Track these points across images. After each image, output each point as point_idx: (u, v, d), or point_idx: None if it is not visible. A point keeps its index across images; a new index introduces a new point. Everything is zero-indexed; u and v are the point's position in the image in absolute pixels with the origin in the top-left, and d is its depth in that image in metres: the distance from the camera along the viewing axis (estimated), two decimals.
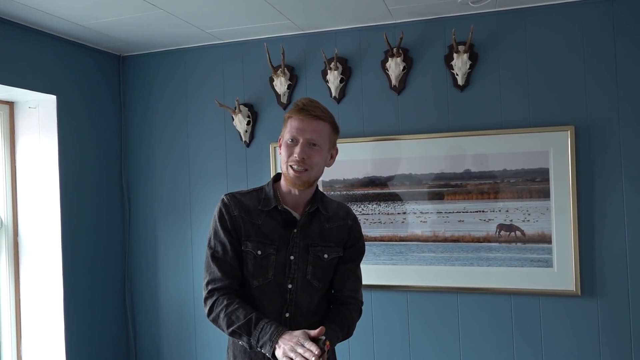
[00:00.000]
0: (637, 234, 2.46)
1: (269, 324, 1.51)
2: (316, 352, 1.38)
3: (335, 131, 1.67)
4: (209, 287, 1.62)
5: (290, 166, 1.60)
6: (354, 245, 1.79)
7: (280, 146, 1.66)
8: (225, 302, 1.58)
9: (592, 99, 2.51)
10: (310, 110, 1.59)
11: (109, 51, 3.19)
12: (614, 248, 2.49)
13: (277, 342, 1.45)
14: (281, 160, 1.64)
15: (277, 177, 1.74)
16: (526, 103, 2.60)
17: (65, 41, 2.89)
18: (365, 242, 2.82)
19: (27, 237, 2.90)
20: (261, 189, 1.73)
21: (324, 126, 1.61)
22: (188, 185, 3.17)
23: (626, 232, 2.47)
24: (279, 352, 1.44)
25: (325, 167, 1.70)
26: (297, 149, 1.58)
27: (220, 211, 1.67)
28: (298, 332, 1.46)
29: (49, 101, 2.83)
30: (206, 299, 1.62)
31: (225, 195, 1.70)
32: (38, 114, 2.86)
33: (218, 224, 1.66)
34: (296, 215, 1.68)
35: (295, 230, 1.66)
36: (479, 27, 2.63)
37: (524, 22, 2.60)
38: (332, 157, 1.71)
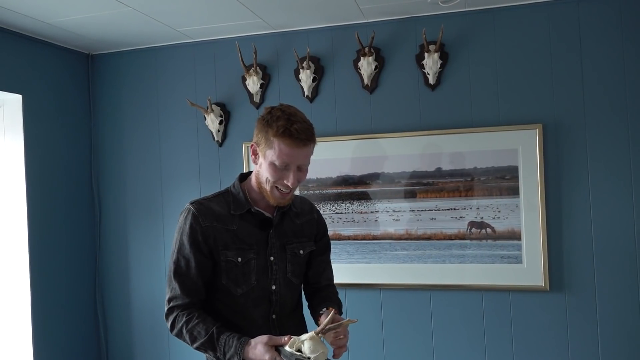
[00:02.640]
0: (603, 230, 2.52)
1: (230, 337, 1.48)
2: None
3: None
4: (170, 304, 1.57)
5: (277, 188, 1.55)
6: (322, 238, 1.81)
7: (253, 151, 1.58)
8: (185, 319, 1.53)
9: (559, 97, 2.57)
10: (304, 139, 1.51)
11: (77, 50, 3.13)
12: (581, 244, 2.54)
13: (242, 353, 1.44)
14: (262, 177, 1.56)
15: (242, 177, 1.69)
16: (495, 102, 2.64)
17: (31, 39, 2.82)
18: (339, 241, 2.88)
19: None
20: (227, 192, 1.66)
21: (313, 146, 1.57)
22: (160, 186, 3.13)
23: (592, 228, 2.53)
24: None
25: None
26: (290, 176, 1.53)
27: (186, 223, 1.57)
28: (264, 345, 1.42)
29: (14, 101, 2.76)
30: (167, 315, 1.58)
31: (191, 204, 1.61)
32: (3, 114, 2.78)
33: (184, 238, 1.57)
34: (269, 215, 1.65)
35: (271, 231, 1.64)
36: (449, 26, 2.66)
37: (493, 22, 2.65)
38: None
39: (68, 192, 3.05)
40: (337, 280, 2.75)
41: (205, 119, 2.96)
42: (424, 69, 2.68)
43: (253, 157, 1.59)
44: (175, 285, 1.56)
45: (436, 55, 2.63)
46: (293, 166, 1.53)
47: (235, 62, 2.93)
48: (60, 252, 2.97)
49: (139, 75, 3.16)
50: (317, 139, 2.88)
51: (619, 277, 2.50)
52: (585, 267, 2.54)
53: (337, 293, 1.84)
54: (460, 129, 2.66)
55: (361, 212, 2.80)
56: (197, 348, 1.53)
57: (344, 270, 2.79)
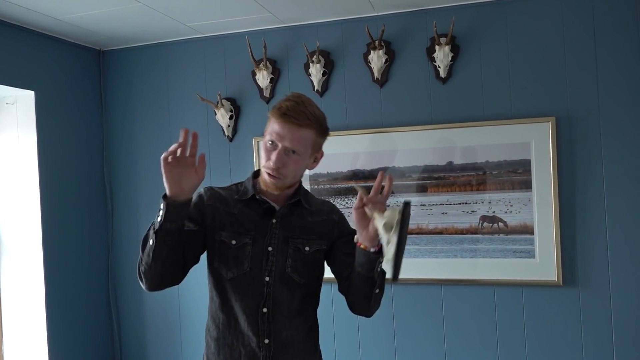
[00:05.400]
0: (617, 224, 2.48)
1: (160, 216, 1.45)
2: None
3: (323, 135, 1.57)
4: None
5: (266, 171, 1.53)
6: (348, 235, 1.65)
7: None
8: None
9: (572, 89, 2.53)
10: (293, 118, 1.46)
11: (88, 46, 3.15)
12: (595, 238, 2.51)
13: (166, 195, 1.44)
14: (261, 159, 1.57)
15: (257, 173, 1.66)
16: (507, 95, 2.61)
17: (43, 36, 2.85)
18: None
19: (7, 235, 2.86)
20: (240, 183, 1.68)
21: (307, 133, 1.50)
22: None
23: (607, 222, 2.50)
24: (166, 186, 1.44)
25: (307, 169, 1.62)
26: (273, 156, 1.49)
27: (195, 197, 1.59)
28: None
29: (27, 97, 2.78)
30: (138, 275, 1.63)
31: (204, 187, 1.64)
32: (16, 110, 2.81)
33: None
34: (275, 205, 1.60)
35: (274, 221, 1.59)
36: (460, 19, 2.63)
37: (505, 13, 2.61)
38: (316, 160, 1.61)
39: (81, 187, 3.08)
40: None
41: (216, 114, 2.97)
42: (435, 62, 2.66)
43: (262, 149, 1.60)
44: None
45: (447, 48, 2.60)
46: (280, 146, 1.48)
47: (245, 57, 2.92)
48: (73, 247, 3.00)
49: (150, 70, 3.17)
50: None
51: (633, 272, 2.47)
52: (599, 261, 2.51)
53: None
54: (472, 123, 2.63)
55: None
56: (145, 253, 1.52)
57: None
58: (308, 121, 1.49)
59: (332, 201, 2.80)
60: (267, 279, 1.56)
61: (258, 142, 2.93)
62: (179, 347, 3.12)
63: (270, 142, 1.51)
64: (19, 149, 2.81)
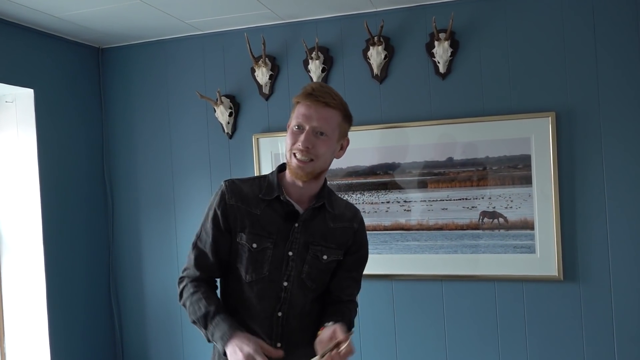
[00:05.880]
0: (618, 219, 2.48)
1: (224, 320, 1.46)
2: None
3: (347, 120, 1.57)
4: (183, 273, 1.60)
5: (294, 154, 1.49)
6: (358, 251, 1.67)
7: (288, 126, 1.56)
8: (191, 290, 1.54)
9: (572, 84, 2.53)
10: (319, 96, 1.47)
11: (87, 43, 3.14)
12: (596, 233, 2.51)
13: (228, 342, 1.41)
14: (285, 148, 1.53)
15: (283, 167, 1.61)
16: (507, 90, 2.61)
17: (42, 34, 2.84)
18: None
19: (8, 234, 2.86)
20: (264, 177, 1.62)
21: (334, 114, 1.50)
22: (171, 178, 3.14)
23: (607, 216, 2.49)
24: (229, 350, 1.40)
25: (335, 159, 1.60)
26: (302, 137, 1.47)
27: (215, 199, 1.58)
28: (252, 339, 1.40)
29: (26, 95, 2.78)
30: (179, 282, 1.60)
31: (225, 181, 1.60)
32: (15, 109, 2.81)
33: (210, 212, 1.58)
34: (299, 208, 1.57)
35: (296, 225, 1.55)
36: (459, 14, 2.62)
37: (504, 8, 2.60)
38: (342, 148, 1.61)
39: (81, 185, 3.08)
40: None
41: (215, 111, 2.96)
42: (434, 57, 2.65)
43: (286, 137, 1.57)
44: (192, 256, 1.58)
45: (446, 44, 2.59)
46: (308, 127, 1.47)
47: (244, 54, 2.92)
48: (74, 245, 3.00)
49: (149, 68, 3.17)
50: None
51: (634, 266, 2.46)
52: (599, 256, 2.51)
53: (355, 311, 1.70)
54: (472, 118, 2.63)
55: (372, 203, 2.78)
56: (193, 322, 1.53)
57: None
58: (334, 101, 1.50)
59: None
60: (285, 283, 1.56)
61: (258, 139, 2.92)
62: (180, 345, 3.13)
63: (296, 127, 1.49)
64: (18, 147, 2.81)
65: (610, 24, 2.47)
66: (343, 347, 1.36)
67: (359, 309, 2.75)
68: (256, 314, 1.55)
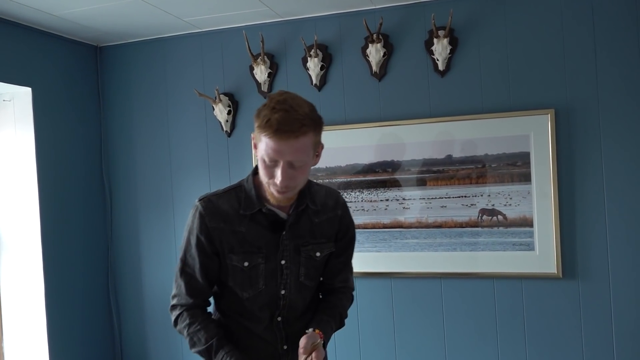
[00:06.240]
0: (617, 216, 2.48)
1: (229, 354, 1.44)
2: None
3: (319, 130, 1.41)
4: (174, 301, 1.54)
5: (272, 187, 1.40)
6: (345, 235, 1.64)
7: (255, 145, 1.41)
8: (188, 321, 1.50)
9: (571, 82, 2.52)
10: (287, 131, 1.30)
11: (85, 42, 3.13)
12: (595, 230, 2.51)
13: None
14: (260, 175, 1.41)
15: (257, 170, 1.50)
16: (506, 87, 2.60)
17: (40, 32, 2.83)
18: None
19: (6, 233, 2.85)
20: (240, 186, 1.52)
21: (306, 139, 1.34)
22: (170, 176, 3.13)
23: (606, 214, 2.49)
24: None
25: None
26: (277, 174, 1.35)
27: (194, 222, 1.48)
28: None
29: (24, 94, 2.77)
30: (171, 309, 1.56)
31: (200, 200, 1.50)
32: (13, 107, 2.80)
33: (191, 237, 1.49)
34: (283, 215, 1.50)
35: (284, 233, 1.50)
36: (458, 11, 2.62)
37: (503, 5, 2.60)
38: (318, 155, 1.46)
39: (79, 183, 3.07)
40: None
41: (214, 109, 2.96)
42: (433, 54, 2.65)
43: (255, 150, 1.43)
44: (181, 283, 1.52)
45: (445, 41, 2.59)
46: (282, 162, 1.34)
47: (243, 52, 2.91)
48: (73, 245, 3.00)
49: (147, 66, 3.16)
50: (326, 127, 2.89)
51: (633, 264, 2.46)
52: (598, 253, 2.51)
53: (349, 297, 1.71)
54: (471, 115, 2.62)
55: (371, 201, 2.78)
56: (195, 352, 1.51)
57: (355, 259, 2.75)
58: (304, 128, 1.33)
59: None
60: (282, 292, 1.54)
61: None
62: (179, 344, 3.13)
63: (268, 161, 1.35)
64: (16, 146, 2.81)
65: (609, 21, 2.47)
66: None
67: (359, 307, 2.78)
68: (257, 321, 1.55)
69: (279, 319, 1.56)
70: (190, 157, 3.10)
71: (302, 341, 1.44)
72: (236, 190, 1.51)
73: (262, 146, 1.34)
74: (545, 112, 2.52)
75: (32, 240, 2.80)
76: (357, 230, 2.83)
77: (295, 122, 1.31)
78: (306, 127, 1.33)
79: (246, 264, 1.48)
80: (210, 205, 1.49)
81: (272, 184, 1.38)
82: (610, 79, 2.47)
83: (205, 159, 3.06)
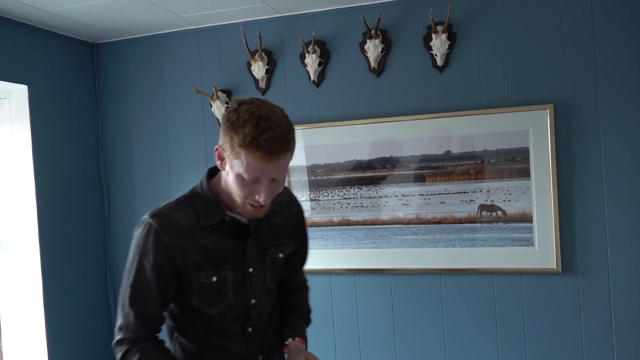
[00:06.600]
0: (616, 211, 2.48)
1: None
2: None
3: (295, 140, 1.31)
4: (120, 335, 1.34)
5: (249, 203, 1.30)
6: (302, 231, 1.59)
7: (218, 156, 1.29)
8: (138, 356, 1.32)
9: (570, 77, 2.51)
10: (275, 150, 1.21)
11: (81, 39, 3.11)
12: (594, 225, 2.51)
13: None
14: (232, 189, 1.30)
15: (212, 173, 1.41)
16: (505, 82, 2.60)
17: (35, 29, 2.81)
18: (348, 227, 2.87)
19: (3, 233, 2.84)
20: (194, 195, 1.39)
21: (290, 154, 1.27)
22: (168, 174, 3.12)
23: (605, 209, 2.49)
24: None
25: None
26: (262, 191, 1.27)
27: (147, 242, 1.32)
28: None
29: (20, 91, 2.75)
30: (116, 345, 1.35)
31: (151, 217, 1.34)
32: (9, 105, 2.78)
33: (144, 260, 1.32)
34: (244, 220, 1.40)
35: (249, 239, 1.42)
36: (456, 6, 2.60)
37: (502, 0, 2.59)
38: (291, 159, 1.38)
39: (77, 182, 3.05)
40: (347, 266, 2.78)
41: (212, 106, 2.94)
42: (432, 50, 2.63)
43: (219, 162, 1.31)
44: (130, 313, 1.32)
45: (444, 36, 2.58)
46: (265, 180, 1.26)
47: (240, 48, 2.89)
48: (71, 244, 2.98)
49: (144, 63, 3.14)
50: (324, 124, 2.90)
51: (632, 259, 2.46)
52: (598, 249, 2.51)
53: (307, 292, 1.68)
54: (470, 111, 2.62)
55: (370, 197, 2.77)
56: None
57: (354, 255, 2.77)
58: (291, 143, 1.26)
59: (330, 192, 2.81)
60: (253, 301, 1.45)
61: None
62: None
63: (248, 178, 1.25)
64: (13, 144, 2.79)
65: (608, 16, 2.46)
66: None
67: (358, 303, 2.78)
68: (229, 337, 1.44)
69: (250, 329, 1.46)
70: (188, 155, 3.08)
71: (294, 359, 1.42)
72: (190, 200, 1.38)
73: (240, 164, 1.23)
74: (544, 108, 2.51)
75: (29, 239, 2.78)
76: (356, 227, 2.84)
77: (283, 139, 1.22)
78: (292, 142, 1.27)
79: (214, 278, 1.36)
80: (166, 221, 1.33)
81: (252, 200, 1.29)
82: (609, 73, 2.46)
83: (204, 156, 3.05)
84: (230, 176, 1.28)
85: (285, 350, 1.49)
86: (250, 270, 1.43)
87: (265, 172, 1.24)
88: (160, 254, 1.31)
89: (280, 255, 1.51)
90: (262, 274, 1.47)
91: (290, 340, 1.48)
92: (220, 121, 1.30)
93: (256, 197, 1.28)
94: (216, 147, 1.29)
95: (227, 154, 1.26)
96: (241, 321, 1.44)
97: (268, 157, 1.21)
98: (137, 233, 1.36)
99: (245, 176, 1.25)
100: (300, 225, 1.58)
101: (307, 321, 1.62)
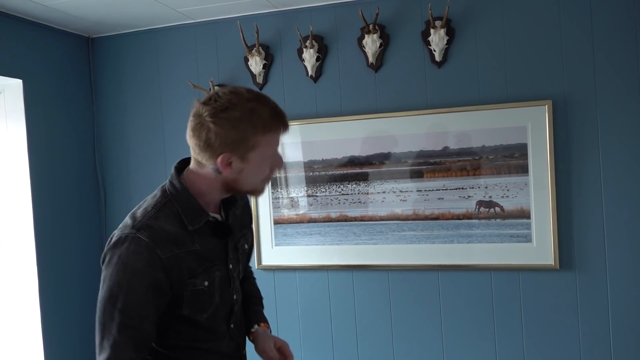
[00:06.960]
0: (614, 208, 2.48)
1: None
2: None
3: None
4: None
5: (269, 179, 1.37)
6: (250, 222, 1.59)
7: (227, 164, 1.25)
8: None
9: (569, 72, 2.51)
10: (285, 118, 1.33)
11: (77, 33, 3.08)
12: (592, 221, 2.50)
13: None
14: (248, 182, 1.30)
15: (181, 167, 1.37)
16: (504, 78, 2.59)
17: (30, 23, 2.78)
18: (346, 223, 2.86)
19: None
20: (169, 199, 1.30)
21: None
22: (164, 170, 3.10)
23: (603, 206, 2.49)
24: None
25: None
26: (278, 158, 1.35)
27: (138, 260, 1.20)
28: None
29: (15, 86, 2.73)
30: None
31: (137, 231, 1.22)
32: (4, 99, 2.76)
33: (135, 280, 1.20)
34: (219, 217, 1.40)
35: (230, 236, 1.42)
36: (455, 1, 2.59)
37: None
38: None
39: (72, 178, 3.03)
40: (344, 262, 2.78)
41: None
42: (430, 45, 2.62)
43: (227, 169, 1.26)
44: (120, 341, 1.20)
45: (442, 32, 2.56)
46: (278, 146, 1.36)
47: (237, 43, 2.87)
48: (66, 240, 2.96)
49: (140, 57, 3.12)
50: (322, 119, 2.89)
51: (630, 255, 2.46)
52: (596, 245, 2.50)
53: (255, 280, 1.71)
54: (468, 107, 2.61)
55: (368, 193, 2.76)
56: None
57: (351, 251, 2.77)
58: None
59: (327, 188, 2.80)
60: (235, 296, 1.45)
61: None
62: None
63: (274, 153, 1.33)
64: (7, 138, 2.76)
65: (607, 11, 2.45)
66: None
67: (355, 300, 2.77)
68: (218, 338, 1.42)
69: (232, 326, 1.44)
70: (185, 151, 3.01)
71: (264, 345, 1.48)
72: (167, 205, 1.29)
73: (267, 147, 1.28)
74: (542, 104, 2.50)
75: (25, 236, 2.76)
76: (353, 223, 2.84)
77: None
78: None
79: (206, 283, 1.32)
80: (154, 232, 1.23)
81: (270, 175, 1.35)
82: (608, 69, 2.46)
83: None
84: (247, 172, 1.28)
85: (251, 338, 1.53)
86: (231, 266, 1.42)
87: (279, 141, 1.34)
88: (156, 271, 1.21)
89: (246, 246, 1.53)
90: (238, 268, 1.47)
91: (256, 326, 1.52)
92: (213, 128, 1.25)
93: (275, 168, 1.35)
94: (221, 156, 1.24)
95: (239, 153, 1.24)
96: (226, 319, 1.43)
97: (286, 122, 1.31)
98: (121, 252, 1.22)
99: (270, 154, 1.30)
100: (249, 214, 1.60)
101: (262, 307, 1.65)
